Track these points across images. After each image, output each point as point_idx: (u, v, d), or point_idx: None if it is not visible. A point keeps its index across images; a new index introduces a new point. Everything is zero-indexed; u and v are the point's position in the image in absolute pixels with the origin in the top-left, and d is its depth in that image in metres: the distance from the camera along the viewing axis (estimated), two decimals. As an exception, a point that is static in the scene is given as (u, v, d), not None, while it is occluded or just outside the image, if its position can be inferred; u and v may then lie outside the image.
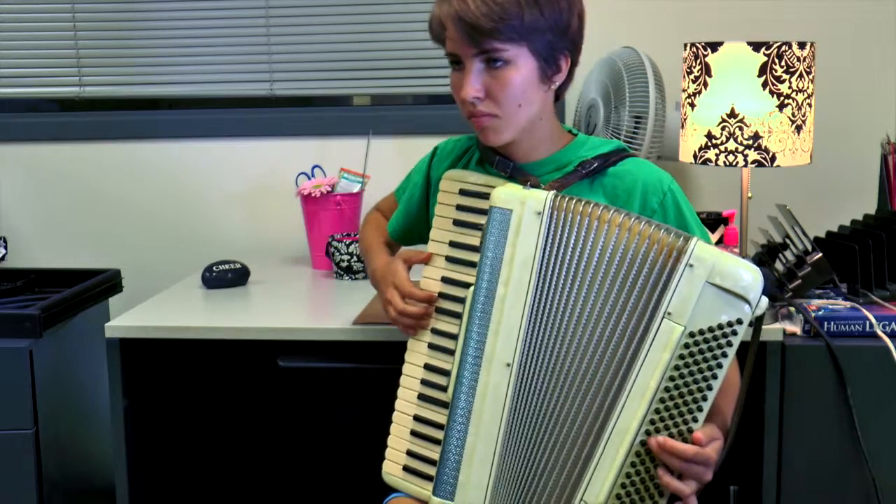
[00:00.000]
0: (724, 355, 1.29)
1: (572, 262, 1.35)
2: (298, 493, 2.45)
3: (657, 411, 1.31)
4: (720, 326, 1.29)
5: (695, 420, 1.30)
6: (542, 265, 1.36)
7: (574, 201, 1.36)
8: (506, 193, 1.39)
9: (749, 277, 1.28)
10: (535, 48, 1.39)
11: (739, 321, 1.28)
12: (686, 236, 1.32)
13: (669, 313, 1.30)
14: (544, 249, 1.36)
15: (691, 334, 1.29)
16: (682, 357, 1.30)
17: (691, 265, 1.29)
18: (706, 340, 1.29)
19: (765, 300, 1.30)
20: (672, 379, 1.30)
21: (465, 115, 1.44)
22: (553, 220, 1.36)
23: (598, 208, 1.35)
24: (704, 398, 1.30)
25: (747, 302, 1.28)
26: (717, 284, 1.28)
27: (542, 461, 1.37)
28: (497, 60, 1.38)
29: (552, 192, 1.38)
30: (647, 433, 1.31)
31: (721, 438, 1.35)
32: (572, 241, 1.35)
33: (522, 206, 1.37)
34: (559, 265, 1.36)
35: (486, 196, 1.42)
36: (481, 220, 1.42)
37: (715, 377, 1.29)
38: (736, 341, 1.29)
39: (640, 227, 1.33)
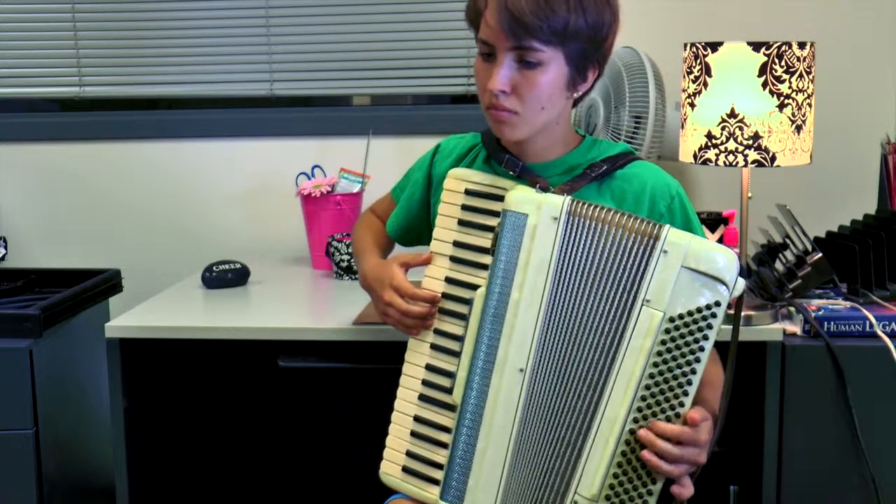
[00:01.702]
0: (706, 338, 1.30)
1: (585, 267, 1.35)
2: (298, 493, 2.44)
3: (643, 398, 1.31)
4: (699, 310, 1.29)
5: (681, 405, 1.31)
6: (557, 270, 1.35)
7: (591, 207, 1.36)
8: (521, 197, 1.38)
9: (724, 260, 1.30)
10: (570, 55, 1.38)
11: (718, 303, 1.29)
12: (659, 224, 1.33)
13: (648, 300, 1.31)
14: (560, 255, 1.35)
15: (671, 319, 1.30)
16: (663, 343, 1.30)
17: (665, 251, 1.30)
18: (686, 325, 1.30)
19: (741, 281, 1.31)
20: (656, 365, 1.31)
21: (484, 106, 1.43)
22: (570, 226, 1.35)
23: (614, 214, 1.35)
24: (689, 382, 1.30)
25: (724, 284, 1.29)
26: (693, 268, 1.30)
27: (545, 461, 1.36)
28: (531, 60, 1.37)
29: (569, 198, 1.37)
30: (635, 420, 1.32)
31: (710, 419, 1.35)
32: (587, 246, 1.35)
33: (538, 210, 1.36)
34: (574, 270, 1.35)
35: (492, 196, 1.42)
36: (487, 220, 1.41)
37: (698, 360, 1.30)
38: (716, 324, 1.30)
39: (623, 220, 1.34)
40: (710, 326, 1.29)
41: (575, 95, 1.45)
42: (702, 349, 1.30)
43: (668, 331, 1.30)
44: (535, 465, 1.37)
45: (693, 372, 1.30)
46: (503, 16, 1.34)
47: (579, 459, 1.34)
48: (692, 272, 1.30)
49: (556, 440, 1.36)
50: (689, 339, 1.30)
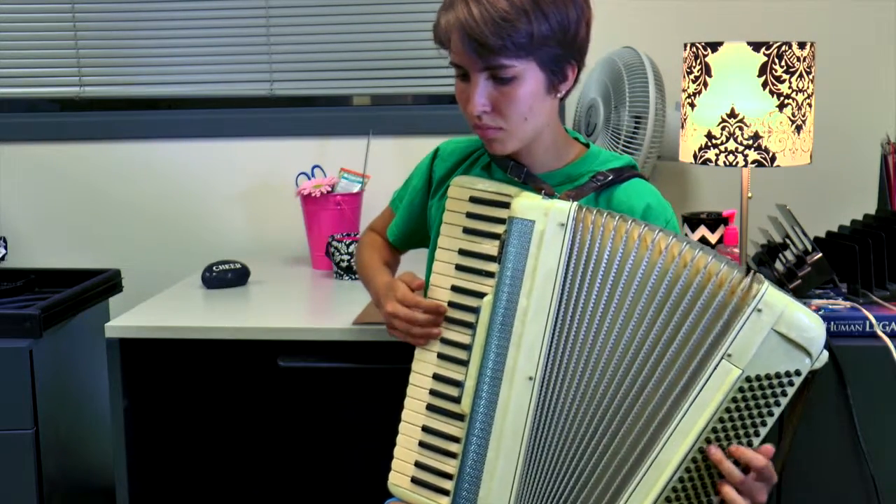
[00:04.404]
0: (777, 404, 1.27)
1: (606, 277, 1.32)
2: (298, 493, 2.45)
3: (700, 450, 1.29)
4: (778, 375, 1.27)
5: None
6: (565, 278, 1.33)
7: (600, 214, 1.34)
8: (527, 203, 1.35)
9: (815, 331, 1.27)
10: (543, 61, 1.36)
11: (798, 372, 1.27)
12: (757, 278, 1.28)
13: (729, 355, 1.27)
14: (568, 262, 1.33)
15: (748, 379, 1.27)
16: (734, 400, 1.28)
17: (759, 310, 1.26)
18: (762, 387, 1.27)
19: (825, 354, 1.28)
20: (721, 421, 1.28)
21: (471, 126, 1.42)
22: (578, 233, 1.33)
23: (625, 222, 1.32)
24: (750, 444, 1.28)
25: (809, 355, 1.27)
26: (783, 333, 1.26)
27: (568, 481, 1.34)
28: (504, 76, 1.35)
29: (575, 204, 1.35)
30: (687, 470, 1.29)
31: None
32: (605, 256, 1.32)
33: (545, 216, 1.34)
34: (585, 279, 1.32)
35: (497, 204, 1.40)
36: (492, 228, 1.40)
37: (764, 424, 1.28)
38: (790, 392, 1.27)
39: (695, 254, 1.29)
40: (784, 394, 1.27)
41: (559, 95, 1.43)
42: (770, 414, 1.28)
43: (741, 389, 1.27)
44: (555, 482, 1.34)
45: (756, 435, 1.28)
46: (466, 43, 1.33)
47: (619, 495, 1.31)
48: (781, 337, 1.26)
49: (584, 463, 1.33)
50: (761, 402, 1.27)
